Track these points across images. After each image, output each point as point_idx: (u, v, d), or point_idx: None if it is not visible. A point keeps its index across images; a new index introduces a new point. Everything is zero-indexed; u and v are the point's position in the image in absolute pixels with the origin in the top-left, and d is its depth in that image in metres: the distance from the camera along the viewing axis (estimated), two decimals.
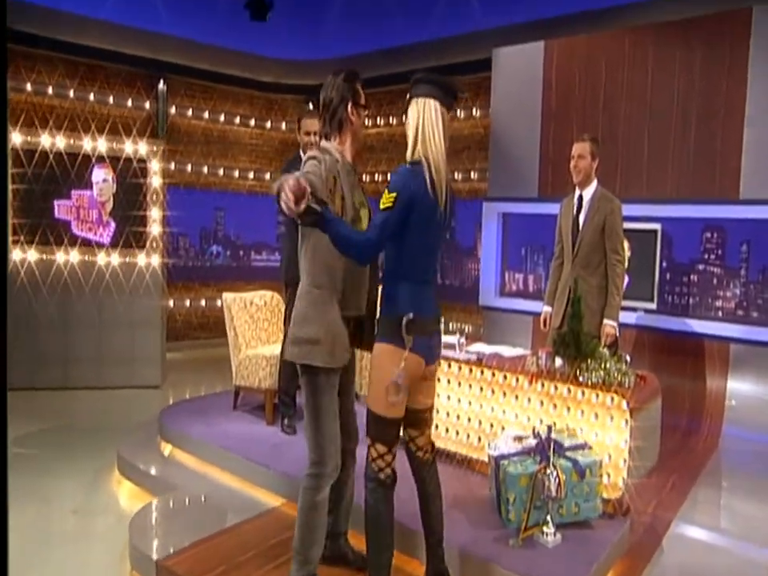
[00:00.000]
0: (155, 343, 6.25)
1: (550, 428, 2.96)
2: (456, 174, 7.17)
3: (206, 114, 7.97)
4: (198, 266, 8.21)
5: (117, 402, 5.74)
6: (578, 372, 3.16)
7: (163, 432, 4.29)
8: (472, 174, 7.07)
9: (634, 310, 5.18)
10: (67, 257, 5.97)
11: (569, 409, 3.25)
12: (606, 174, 4.47)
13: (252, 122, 8.31)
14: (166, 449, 4.22)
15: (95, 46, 7.00)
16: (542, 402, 3.35)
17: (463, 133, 7.17)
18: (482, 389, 3.59)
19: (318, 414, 2.47)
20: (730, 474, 4.24)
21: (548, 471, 2.79)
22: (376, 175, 7.97)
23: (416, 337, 2.26)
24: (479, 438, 3.60)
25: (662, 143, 5.24)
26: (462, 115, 7.10)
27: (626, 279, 5.23)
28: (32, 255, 5.90)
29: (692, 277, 5.40)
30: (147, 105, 7.57)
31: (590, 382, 3.12)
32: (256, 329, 4.74)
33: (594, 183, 3.86)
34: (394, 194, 2.20)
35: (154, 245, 6.17)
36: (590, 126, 5.38)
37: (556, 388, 3.28)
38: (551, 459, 2.84)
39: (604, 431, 3.12)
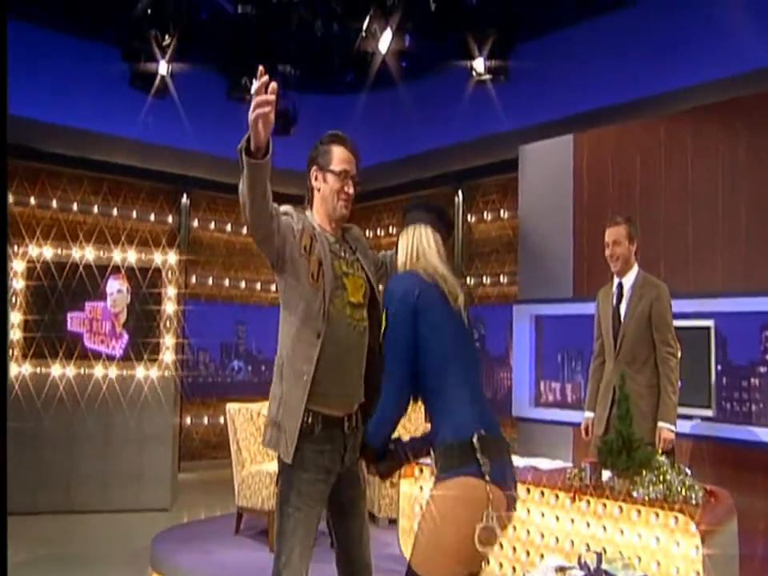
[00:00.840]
0: (165, 462, 5.85)
1: (599, 556, 2.43)
2: (484, 279, 6.91)
3: (229, 227, 8.02)
4: (217, 382, 7.93)
5: (120, 527, 5.28)
6: (631, 486, 2.66)
7: (154, 562, 3.82)
8: (501, 277, 6.80)
9: (688, 417, 4.61)
10: (78, 370, 5.77)
11: (622, 532, 2.72)
12: (647, 267, 4.13)
13: None
14: None
15: (120, 162, 7.20)
16: (588, 524, 2.83)
17: (491, 236, 6.99)
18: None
19: (281, 527, 2.11)
20: None
21: None
22: None
23: (492, 461, 1.79)
24: (514, 569, 3.04)
25: (709, 233, 4.89)
26: (489, 217, 6.95)
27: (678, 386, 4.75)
28: (41, 370, 5.72)
29: (752, 380, 4.89)
30: (170, 219, 7.66)
31: (647, 498, 2.61)
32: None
33: (635, 268, 3.51)
34: (387, 308, 1.98)
35: (168, 358, 5.94)
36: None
37: (605, 506, 2.77)
38: None
39: (668, 560, 2.57)
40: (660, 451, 3.07)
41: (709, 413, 4.62)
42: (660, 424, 3.24)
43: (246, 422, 4.28)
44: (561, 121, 6.03)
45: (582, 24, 5.86)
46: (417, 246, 2.09)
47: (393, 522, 3.57)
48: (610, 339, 3.52)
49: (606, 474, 2.83)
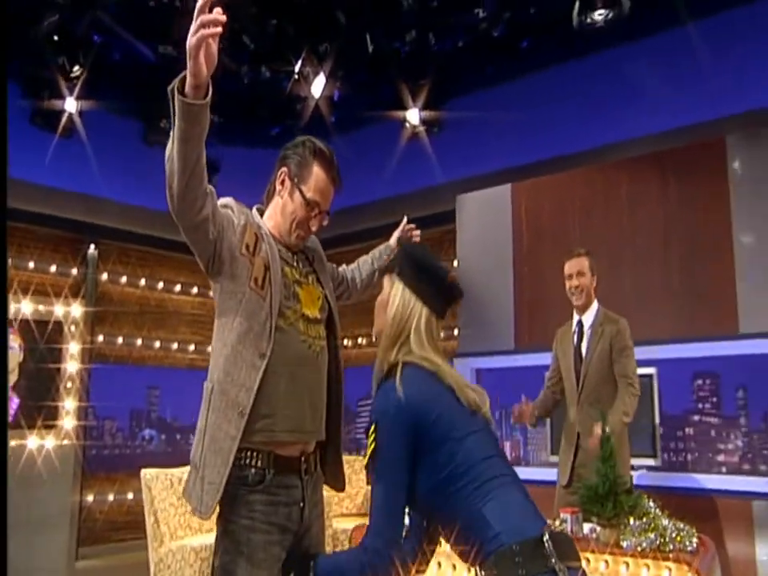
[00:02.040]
0: (60, 550, 5.14)
1: None
2: None
3: (143, 281, 7.50)
4: (126, 453, 7.21)
5: None
6: (620, 536, 2.44)
7: None
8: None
9: (633, 468, 4.54)
10: None
11: None
12: None
13: (194, 290, 7.87)
14: None
15: (16, 207, 6.65)
16: None
17: None
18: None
19: None
20: None
21: None
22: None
23: (569, 568, 1.37)
24: None
25: (647, 281, 4.96)
26: None
27: None
28: None
29: (686, 430, 5.03)
30: (74, 270, 7.08)
31: (639, 549, 2.38)
32: (185, 513, 3.84)
33: (595, 304, 3.42)
34: (373, 426, 1.50)
35: (69, 425, 5.32)
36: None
37: (588, 561, 2.51)
38: None
39: None
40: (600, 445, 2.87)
41: (654, 462, 4.57)
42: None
43: (164, 490, 3.78)
44: (497, 173, 6.08)
45: (519, 80, 6.02)
46: (409, 324, 1.63)
47: None
48: (572, 380, 3.37)
49: (586, 527, 2.60)
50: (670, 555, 2.32)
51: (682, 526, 2.43)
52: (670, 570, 2.33)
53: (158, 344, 7.50)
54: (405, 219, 2.44)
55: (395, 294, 1.66)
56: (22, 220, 6.73)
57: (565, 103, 5.74)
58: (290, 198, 1.95)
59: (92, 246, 7.17)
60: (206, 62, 1.55)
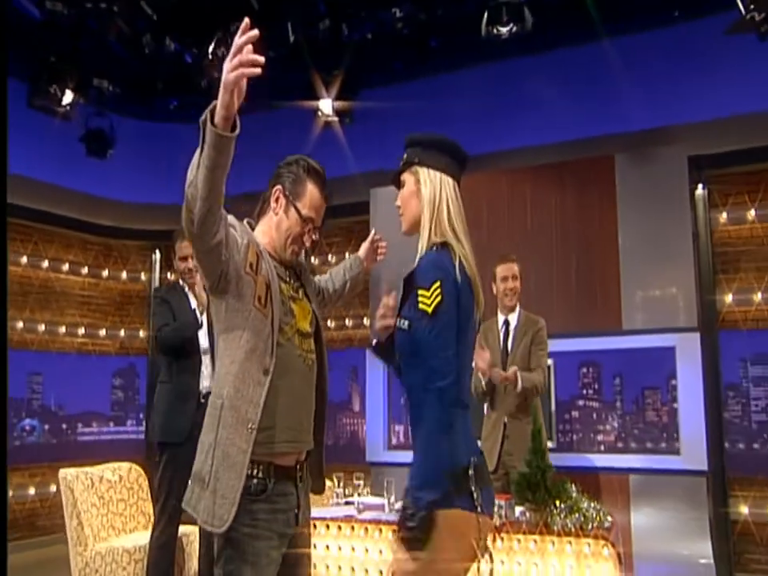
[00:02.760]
0: None
1: None
2: (329, 322, 6.92)
3: (24, 259, 7.08)
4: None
5: None
6: (548, 518, 2.82)
7: None
8: (346, 321, 6.86)
9: None
10: None
11: (536, 565, 2.86)
12: (488, 312, 4.55)
13: (84, 270, 7.53)
14: None
15: None
16: (502, 562, 2.92)
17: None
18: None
19: None
20: None
21: None
22: None
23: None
24: None
25: (546, 279, 5.46)
26: (334, 260, 7.01)
27: None
28: None
29: (573, 413, 5.58)
30: None
31: (564, 529, 2.78)
32: (108, 514, 3.84)
33: (518, 306, 3.81)
34: (438, 283, 1.69)
35: None
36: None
37: (519, 542, 2.89)
38: None
39: None
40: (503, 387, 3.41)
41: (551, 444, 5.12)
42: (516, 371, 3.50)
43: (85, 490, 3.74)
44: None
45: (430, 77, 6.30)
46: (446, 204, 1.83)
47: None
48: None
49: (518, 510, 2.97)
50: (590, 533, 2.74)
51: (599, 507, 2.86)
52: (589, 545, 2.75)
53: (42, 327, 7.15)
54: (372, 232, 2.61)
55: (424, 180, 1.85)
56: None
57: (472, 104, 6.10)
58: (285, 215, 2.08)
59: None
60: (239, 98, 1.66)
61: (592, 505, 2.83)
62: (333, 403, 7.03)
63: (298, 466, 2.01)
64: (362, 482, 3.60)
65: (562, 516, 2.77)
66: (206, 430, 1.95)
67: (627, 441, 5.43)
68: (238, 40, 1.62)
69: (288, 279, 2.12)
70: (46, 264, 7.29)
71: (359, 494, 3.54)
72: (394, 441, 5.98)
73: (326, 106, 6.29)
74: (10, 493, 6.72)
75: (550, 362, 5.18)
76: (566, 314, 5.37)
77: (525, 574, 2.84)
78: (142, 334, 7.83)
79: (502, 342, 3.76)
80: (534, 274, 5.50)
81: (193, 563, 3.54)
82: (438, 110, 6.16)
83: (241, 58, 1.62)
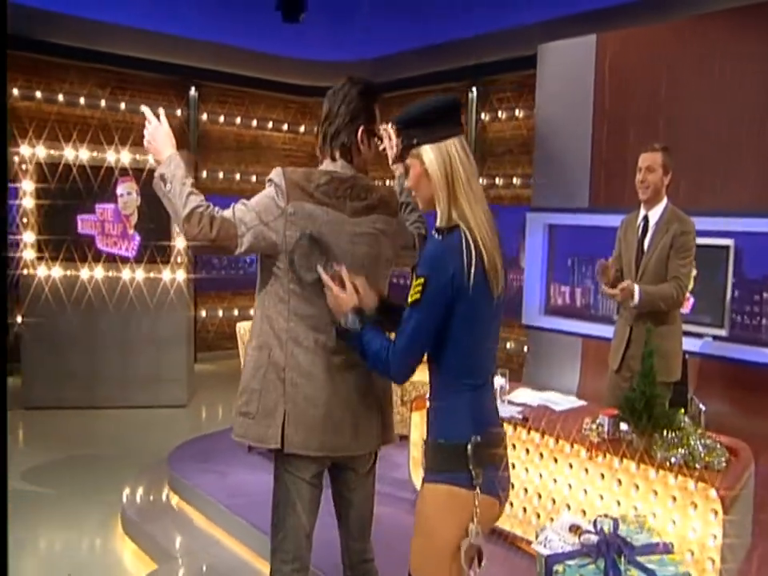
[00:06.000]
0: (180, 361, 5.67)
1: (616, 523, 2.20)
2: (497, 180, 6.36)
3: (238, 120, 7.37)
4: (230, 275, 7.61)
5: (141, 423, 5.19)
6: (652, 446, 2.39)
7: (171, 481, 3.69)
8: (514, 179, 6.25)
9: (699, 336, 4.31)
10: (92, 273, 5.44)
11: (637, 487, 2.48)
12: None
13: (285, 127, 7.68)
14: (174, 499, 3.61)
15: (126, 54, 6.46)
16: (602, 475, 2.58)
17: (505, 135, 6.35)
18: (528, 451, 2.84)
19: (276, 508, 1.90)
20: None
21: None
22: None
23: (486, 468, 1.52)
24: (524, 509, 2.86)
25: (738, 147, 4.32)
26: (504, 116, 6.27)
27: (689, 304, 4.37)
28: (56, 271, 5.41)
29: (765, 294, 4.50)
30: (179, 112, 7.00)
31: (667, 463, 2.34)
32: None
33: (664, 202, 3.02)
34: (422, 280, 1.48)
35: (179, 259, 5.59)
36: (649, 127, 4.52)
37: (621, 461, 2.51)
38: (621, 569, 2.09)
39: (684, 520, 2.34)
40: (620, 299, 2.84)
41: (722, 332, 4.32)
42: (637, 285, 2.89)
43: None
44: (584, 15, 5.23)
45: None
46: (458, 173, 1.50)
47: (404, 438, 3.34)
48: (632, 272, 3.11)
49: (623, 426, 2.56)
50: (696, 473, 2.27)
51: (714, 444, 2.35)
52: (696, 484, 2.29)
53: (254, 178, 7.53)
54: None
55: (429, 159, 1.53)
56: (131, 66, 6.58)
57: None
58: (368, 149, 1.92)
59: (192, 88, 7.00)
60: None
61: (703, 441, 2.32)
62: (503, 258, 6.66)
63: None
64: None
65: (666, 447, 2.32)
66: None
67: None
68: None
69: None
70: (255, 123, 7.50)
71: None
72: (552, 303, 5.52)
73: None
74: (236, 312, 7.53)
75: (729, 242, 4.25)
76: (759, 188, 4.26)
77: (625, 493, 2.50)
78: None
79: (638, 240, 3.05)
80: (720, 142, 4.38)
81: None
82: None
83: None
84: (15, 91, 6.20)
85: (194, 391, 5.91)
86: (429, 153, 1.52)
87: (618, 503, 2.51)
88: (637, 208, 3.12)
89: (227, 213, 1.77)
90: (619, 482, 2.53)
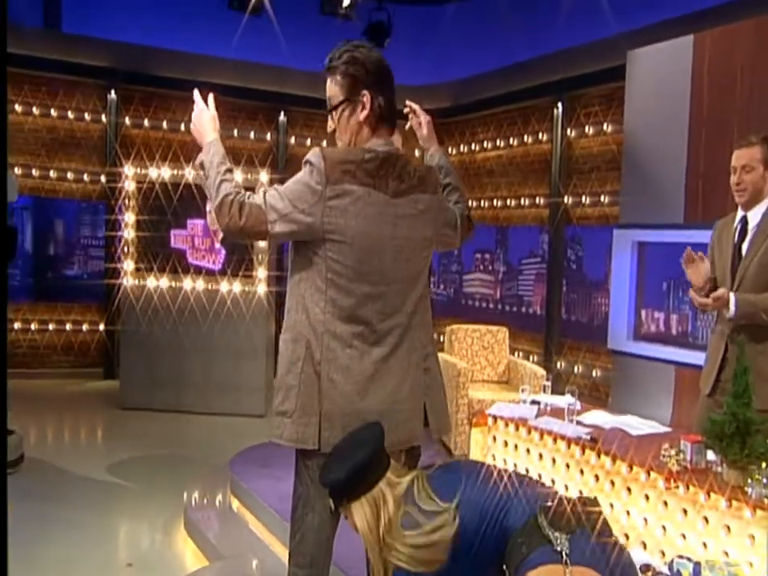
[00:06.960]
0: (260, 372, 5.66)
1: (697, 569, 1.78)
2: (584, 198, 5.92)
3: (324, 143, 7.42)
4: None
5: (220, 429, 5.23)
6: (746, 481, 1.94)
7: (232, 484, 3.59)
8: (602, 197, 5.78)
9: None
10: (181, 284, 5.60)
11: (728, 529, 2.03)
12: None
13: None
14: (234, 503, 3.50)
15: (222, 83, 6.73)
16: (684, 511, 2.15)
17: (592, 152, 5.92)
18: (597, 478, 2.44)
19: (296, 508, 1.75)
20: None
21: None
22: (495, 201, 6.90)
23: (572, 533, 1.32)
24: None
25: None
26: (591, 131, 5.85)
27: None
28: (151, 282, 5.60)
29: None
30: (268, 136, 7.17)
31: (766, 501, 1.89)
32: None
33: (766, 201, 2.56)
34: None
35: (262, 273, 5.61)
36: (753, 132, 3.98)
37: (708, 495, 2.07)
38: None
39: None
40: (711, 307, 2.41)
41: None
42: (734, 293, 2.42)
43: None
44: (676, 21, 4.78)
45: None
46: None
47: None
48: (727, 281, 2.64)
49: (711, 454, 2.12)
50: None
51: None
52: None
53: None
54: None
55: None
56: (226, 93, 6.83)
57: None
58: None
59: (281, 113, 7.16)
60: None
61: None
62: (590, 281, 6.17)
63: None
64: (549, 383, 2.99)
65: (763, 484, 1.87)
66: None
67: None
68: None
69: None
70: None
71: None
72: (645, 330, 4.96)
73: None
74: None
75: None
76: None
77: (712, 534, 2.05)
78: None
79: (734, 245, 2.58)
80: None
81: None
82: None
83: None
84: (127, 120, 6.68)
85: (272, 402, 5.85)
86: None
87: (705, 545, 2.07)
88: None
89: (257, 199, 1.66)
90: (706, 520, 2.09)
